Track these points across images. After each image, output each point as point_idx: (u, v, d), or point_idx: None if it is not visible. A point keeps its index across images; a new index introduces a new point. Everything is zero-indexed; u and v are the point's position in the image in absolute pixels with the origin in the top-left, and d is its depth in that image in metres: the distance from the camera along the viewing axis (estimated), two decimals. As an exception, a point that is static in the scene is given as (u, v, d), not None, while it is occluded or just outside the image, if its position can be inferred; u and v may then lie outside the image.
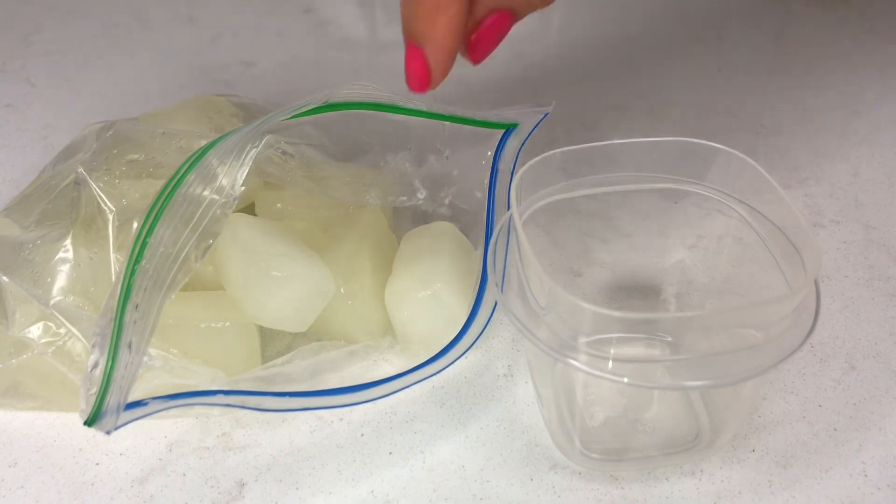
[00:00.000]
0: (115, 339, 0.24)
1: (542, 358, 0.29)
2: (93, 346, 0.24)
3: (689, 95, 0.48)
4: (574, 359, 0.24)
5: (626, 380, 0.24)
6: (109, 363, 0.24)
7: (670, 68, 0.51)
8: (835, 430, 0.30)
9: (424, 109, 0.33)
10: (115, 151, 0.31)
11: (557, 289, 0.24)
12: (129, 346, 0.25)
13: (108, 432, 0.24)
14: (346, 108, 0.31)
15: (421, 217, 0.37)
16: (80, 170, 0.31)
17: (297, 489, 0.29)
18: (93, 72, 0.52)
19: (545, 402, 0.30)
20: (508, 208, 0.30)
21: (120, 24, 0.56)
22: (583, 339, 0.25)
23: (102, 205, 0.30)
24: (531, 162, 0.28)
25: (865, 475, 0.29)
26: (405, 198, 0.34)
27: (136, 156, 0.31)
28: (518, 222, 0.26)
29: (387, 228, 0.35)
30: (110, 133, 0.32)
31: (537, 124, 0.34)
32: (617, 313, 0.24)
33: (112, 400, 0.24)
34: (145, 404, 0.25)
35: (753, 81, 0.49)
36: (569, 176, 0.30)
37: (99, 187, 0.30)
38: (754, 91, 0.48)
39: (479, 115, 0.34)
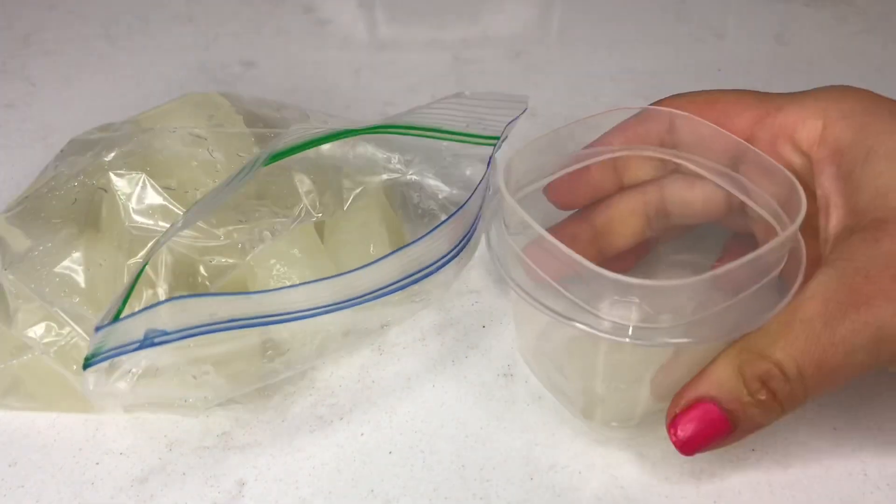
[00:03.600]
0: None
1: (559, 330, 0.30)
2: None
3: (689, 95, 0.48)
4: (593, 325, 0.25)
5: (629, 340, 0.25)
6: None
7: (670, 68, 0.51)
8: (834, 429, 0.30)
9: (401, 124, 0.33)
10: (148, 169, 0.31)
11: (578, 258, 0.24)
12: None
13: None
14: (301, 150, 0.31)
15: (421, 214, 0.37)
16: (111, 176, 0.31)
17: (297, 489, 0.29)
18: (93, 72, 0.52)
19: (568, 375, 0.30)
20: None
21: (120, 24, 0.56)
22: (600, 304, 0.25)
23: (124, 215, 0.31)
24: (515, 153, 0.29)
25: (865, 475, 0.29)
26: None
27: (170, 181, 0.32)
28: (507, 196, 0.27)
29: (387, 204, 0.36)
30: (143, 147, 0.33)
31: (515, 118, 0.34)
32: (635, 280, 0.24)
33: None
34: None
35: (753, 81, 0.49)
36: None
37: (122, 198, 0.31)
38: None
39: (459, 125, 0.34)
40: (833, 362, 0.24)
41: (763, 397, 0.24)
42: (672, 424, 0.26)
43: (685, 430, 0.25)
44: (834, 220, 0.26)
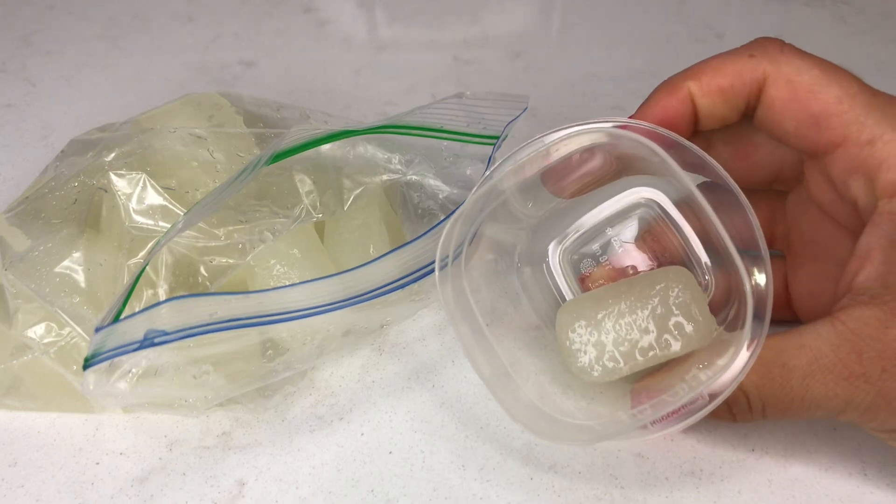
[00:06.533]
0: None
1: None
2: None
3: (689, 95, 0.48)
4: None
5: None
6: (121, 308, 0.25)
7: (670, 68, 0.51)
8: (834, 429, 0.30)
9: (401, 124, 0.33)
10: (148, 169, 0.31)
11: None
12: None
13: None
14: (303, 150, 0.31)
15: (421, 214, 0.37)
16: (111, 176, 0.31)
17: (297, 489, 0.29)
18: (93, 72, 0.52)
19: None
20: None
21: (120, 24, 0.56)
22: None
23: (124, 216, 0.31)
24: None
25: (865, 475, 0.29)
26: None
27: (171, 181, 0.32)
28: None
29: (387, 204, 0.36)
30: (143, 147, 0.32)
31: (516, 118, 0.34)
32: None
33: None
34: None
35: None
36: None
37: (122, 199, 0.31)
38: (754, 91, 0.48)
39: (459, 124, 0.34)
40: (795, 411, 0.26)
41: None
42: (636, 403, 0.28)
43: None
44: (863, 276, 0.26)
